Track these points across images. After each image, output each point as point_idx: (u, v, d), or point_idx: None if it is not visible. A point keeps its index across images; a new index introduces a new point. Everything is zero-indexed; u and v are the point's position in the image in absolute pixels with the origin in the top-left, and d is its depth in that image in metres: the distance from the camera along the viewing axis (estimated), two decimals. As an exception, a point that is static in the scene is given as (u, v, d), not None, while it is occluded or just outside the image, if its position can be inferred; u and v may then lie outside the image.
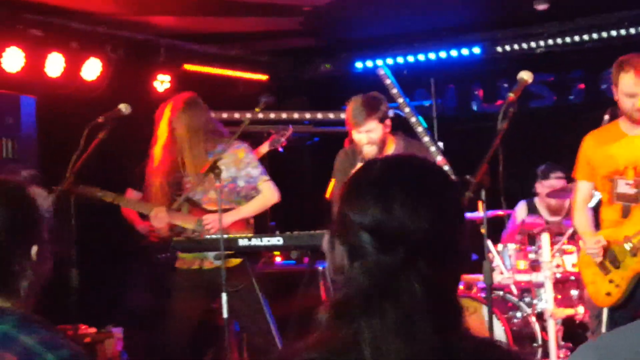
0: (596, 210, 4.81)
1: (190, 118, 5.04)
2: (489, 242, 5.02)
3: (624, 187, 4.39)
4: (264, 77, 8.40)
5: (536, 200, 6.93)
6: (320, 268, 6.04)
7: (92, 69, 6.88)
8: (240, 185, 5.11)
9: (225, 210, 4.97)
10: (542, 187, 6.81)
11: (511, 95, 4.08)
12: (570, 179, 6.29)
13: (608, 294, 4.41)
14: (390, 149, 4.94)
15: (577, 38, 7.41)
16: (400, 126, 5.62)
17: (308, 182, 8.13)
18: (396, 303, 1.45)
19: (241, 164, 5.08)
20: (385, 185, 1.53)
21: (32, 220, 1.90)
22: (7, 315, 1.81)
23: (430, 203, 1.52)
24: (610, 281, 4.40)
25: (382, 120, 4.82)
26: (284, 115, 7.82)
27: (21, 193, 1.90)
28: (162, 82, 7.49)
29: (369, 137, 4.81)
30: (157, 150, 5.16)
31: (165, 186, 5.06)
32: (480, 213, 6.24)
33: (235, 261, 4.88)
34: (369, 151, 4.81)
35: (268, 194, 5.08)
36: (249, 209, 5.10)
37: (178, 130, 5.05)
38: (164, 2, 6.59)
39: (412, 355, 1.42)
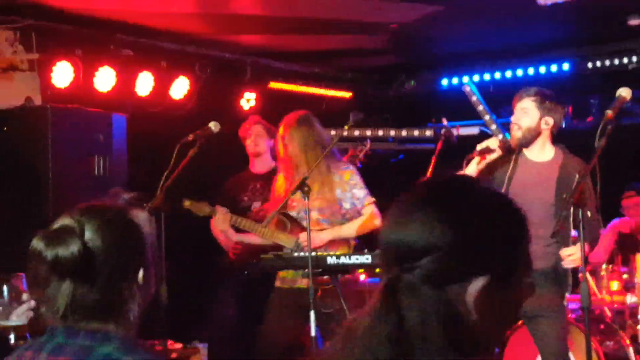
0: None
1: (302, 135, 5.05)
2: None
3: None
4: (348, 95, 8.41)
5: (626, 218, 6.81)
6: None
7: (180, 87, 7.00)
8: (346, 208, 5.08)
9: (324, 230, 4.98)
10: (622, 207, 6.77)
11: (609, 113, 3.98)
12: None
13: None
14: (548, 152, 4.69)
15: (671, 54, 7.22)
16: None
17: (393, 200, 8.09)
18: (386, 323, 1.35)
19: (347, 186, 5.06)
20: (403, 202, 1.45)
21: (137, 246, 1.91)
22: (110, 338, 1.83)
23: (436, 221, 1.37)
24: None
25: (541, 110, 4.61)
26: (368, 133, 7.80)
27: (124, 219, 1.91)
28: (248, 100, 7.57)
29: (519, 117, 4.63)
30: (280, 168, 5.25)
31: (277, 204, 5.07)
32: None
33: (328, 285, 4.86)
34: (515, 134, 4.64)
35: (370, 217, 5.03)
36: (348, 230, 5.06)
37: (290, 148, 5.06)
38: (251, 21, 6.66)
39: None
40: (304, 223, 4.99)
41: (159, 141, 5.50)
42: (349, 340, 1.39)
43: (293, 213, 5.08)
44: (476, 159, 4.54)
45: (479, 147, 4.56)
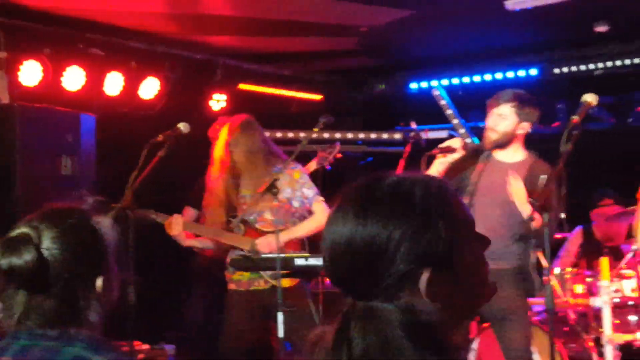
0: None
1: (248, 140, 5.07)
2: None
3: None
4: (318, 97, 8.43)
5: (594, 225, 6.86)
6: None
7: (149, 87, 6.98)
8: (295, 206, 5.11)
9: (279, 231, 4.99)
10: (594, 214, 6.80)
11: (575, 118, 4.03)
12: (626, 203, 6.23)
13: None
14: (519, 155, 4.68)
15: (636, 60, 7.32)
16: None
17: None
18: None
19: (296, 185, 5.09)
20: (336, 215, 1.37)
21: (96, 253, 1.90)
22: (77, 339, 1.83)
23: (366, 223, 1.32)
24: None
25: (520, 116, 4.58)
26: (337, 135, 7.83)
27: (86, 226, 1.90)
28: (217, 101, 7.56)
29: (496, 122, 4.62)
30: (214, 172, 5.21)
31: (221, 207, 5.10)
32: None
33: (290, 281, 4.88)
34: (489, 135, 4.63)
35: (322, 215, 5.07)
36: (303, 229, 5.10)
37: (236, 153, 5.08)
38: (221, 21, 6.66)
39: None
40: (257, 225, 5.03)
41: (128, 141, 5.48)
42: None
43: (245, 216, 5.10)
44: (439, 158, 4.56)
45: (441, 145, 4.58)
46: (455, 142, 4.56)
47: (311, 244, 5.22)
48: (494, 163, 4.66)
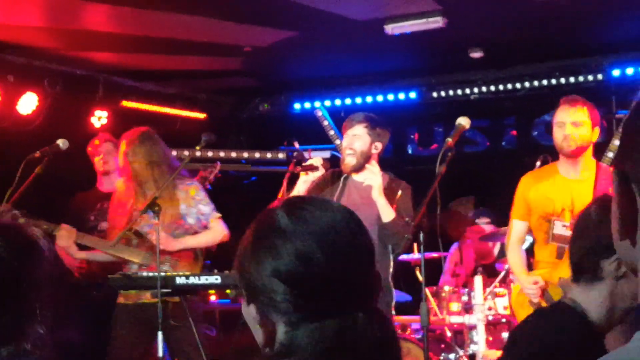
0: (528, 252, 4.90)
1: (146, 151, 5.03)
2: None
3: (561, 228, 4.47)
4: (202, 116, 8.42)
5: (468, 243, 7.09)
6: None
7: (28, 103, 6.82)
8: (190, 223, 5.08)
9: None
10: (471, 231, 7.01)
11: (449, 140, 4.17)
12: (499, 224, 6.47)
13: (544, 334, 4.48)
14: (372, 174, 4.83)
15: (510, 86, 7.63)
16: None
17: (245, 220, 8.13)
18: None
19: (193, 201, 5.07)
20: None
21: None
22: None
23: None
24: (546, 322, 4.46)
25: (372, 136, 4.81)
26: (221, 154, 7.83)
27: None
28: (99, 118, 7.45)
29: (352, 141, 4.81)
30: (121, 183, 5.16)
31: (123, 218, 5.03)
32: (416, 255, 6.40)
33: (173, 298, 4.85)
34: (348, 162, 4.82)
35: (218, 230, 5.08)
36: (197, 241, 5.07)
37: (134, 164, 5.03)
38: (104, 38, 6.57)
39: None
40: (148, 237, 5.00)
41: (5, 157, 5.35)
42: None
43: (137, 228, 5.06)
44: (302, 177, 4.73)
45: (304, 164, 4.80)
46: (317, 161, 4.79)
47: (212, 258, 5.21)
48: (351, 183, 4.86)
